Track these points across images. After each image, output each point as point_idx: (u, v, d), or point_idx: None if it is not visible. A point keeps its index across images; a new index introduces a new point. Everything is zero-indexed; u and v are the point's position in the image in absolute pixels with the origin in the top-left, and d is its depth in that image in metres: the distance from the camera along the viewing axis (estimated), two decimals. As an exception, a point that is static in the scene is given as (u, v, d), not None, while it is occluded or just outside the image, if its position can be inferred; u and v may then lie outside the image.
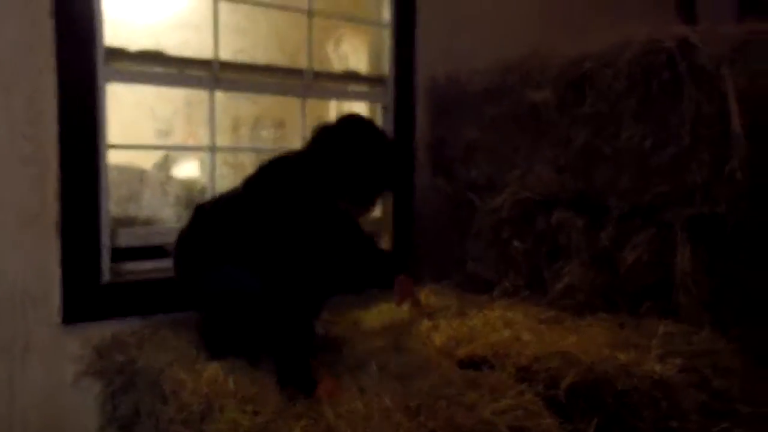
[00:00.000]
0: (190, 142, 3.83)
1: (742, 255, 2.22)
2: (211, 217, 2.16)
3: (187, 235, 2.20)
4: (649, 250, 2.31)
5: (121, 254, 2.42)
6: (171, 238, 2.32)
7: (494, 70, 2.77)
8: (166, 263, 2.39)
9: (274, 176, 2.05)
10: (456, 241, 2.95)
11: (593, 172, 2.44)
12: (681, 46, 2.11)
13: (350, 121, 2.14)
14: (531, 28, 3.25)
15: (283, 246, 1.91)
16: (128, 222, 2.52)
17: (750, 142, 2.08)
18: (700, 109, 2.10)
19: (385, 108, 3.01)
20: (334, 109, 3.60)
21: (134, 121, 3.34)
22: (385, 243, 3.06)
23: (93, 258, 2.32)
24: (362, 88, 3.04)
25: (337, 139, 2.07)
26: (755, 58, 2.22)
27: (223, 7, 2.63)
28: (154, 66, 2.51)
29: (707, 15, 3.96)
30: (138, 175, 2.66)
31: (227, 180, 2.88)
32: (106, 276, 2.36)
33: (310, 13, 2.79)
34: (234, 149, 3.81)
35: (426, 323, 2.34)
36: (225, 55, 2.63)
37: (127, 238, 2.44)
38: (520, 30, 3.18)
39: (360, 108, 3.10)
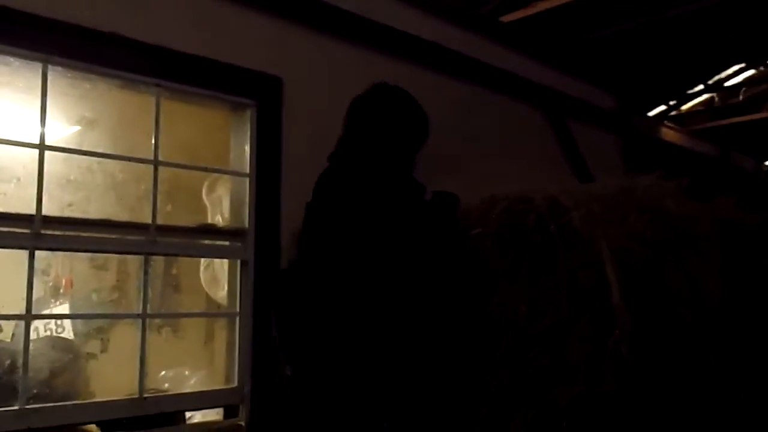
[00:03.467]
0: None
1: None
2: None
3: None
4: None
5: None
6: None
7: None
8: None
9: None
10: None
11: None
12: (551, 206, 1.92)
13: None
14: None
15: None
16: None
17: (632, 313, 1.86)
18: (575, 276, 1.88)
19: (244, 264, 2.64)
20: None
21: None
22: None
23: None
24: (221, 242, 2.69)
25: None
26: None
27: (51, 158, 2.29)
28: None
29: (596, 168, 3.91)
30: None
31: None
32: None
33: (156, 163, 2.47)
34: (54, 317, 3.22)
35: None
36: (51, 210, 2.27)
37: None
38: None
39: (220, 264, 2.74)
